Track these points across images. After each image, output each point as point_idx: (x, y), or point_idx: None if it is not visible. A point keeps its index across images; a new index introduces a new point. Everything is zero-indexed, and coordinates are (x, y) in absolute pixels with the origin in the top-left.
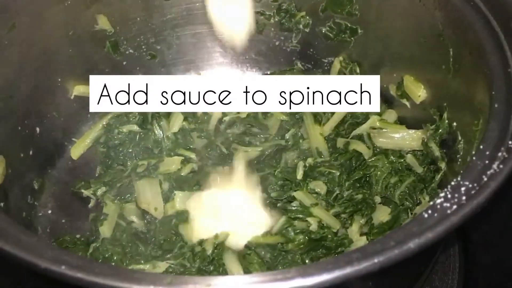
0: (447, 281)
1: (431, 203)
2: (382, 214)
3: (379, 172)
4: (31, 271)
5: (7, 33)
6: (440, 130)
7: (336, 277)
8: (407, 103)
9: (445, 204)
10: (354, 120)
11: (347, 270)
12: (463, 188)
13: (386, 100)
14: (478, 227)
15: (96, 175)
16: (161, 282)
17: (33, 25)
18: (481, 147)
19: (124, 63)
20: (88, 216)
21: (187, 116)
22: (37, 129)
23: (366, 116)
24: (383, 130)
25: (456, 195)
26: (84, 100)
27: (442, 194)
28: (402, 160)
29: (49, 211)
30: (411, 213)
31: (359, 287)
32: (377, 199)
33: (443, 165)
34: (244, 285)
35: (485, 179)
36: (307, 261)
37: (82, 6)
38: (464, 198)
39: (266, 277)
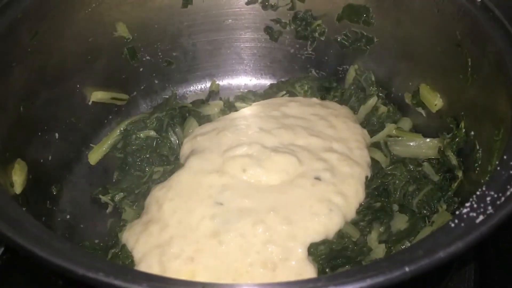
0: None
1: (457, 213)
2: (400, 222)
3: (397, 181)
4: (66, 277)
5: (30, 40)
6: (457, 139)
7: (368, 285)
8: (423, 112)
9: (471, 214)
10: (370, 128)
11: (380, 279)
12: (488, 198)
13: (401, 108)
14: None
15: (114, 180)
16: None
17: (55, 32)
18: (505, 157)
19: (141, 69)
20: (105, 221)
21: (202, 122)
22: (56, 134)
23: (382, 124)
24: (399, 138)
25: (482, 205)
26: (101, 106)
27: (467, 204)
28: (419, 169)
29: (68, 216)
30: (428, 221)
31: None
32: (395, 207)
33: (460, 174)
34: None
35: (511, 189)
36: (327, 270)
37: (102, 14)
38: (490, 207)
39: (296, 285)
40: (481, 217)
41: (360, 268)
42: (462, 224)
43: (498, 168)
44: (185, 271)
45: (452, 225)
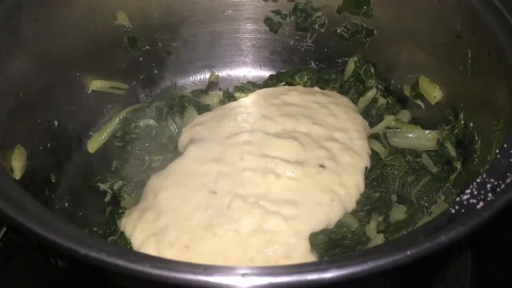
0: (459, 279)
1: (458, 199)
2: (398, 213)
3: (396, 171)
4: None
5: (31, 26)
6: (456, 131)
7: (370, 268)
8: (422, 104)
9: (471, 200)
10: (369, 120)
11: (381, 261)
12: (488, 185)
13: (400, 100)
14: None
15: (113, 169)
16: (198, 270)
17: (55, 19)
18: (505, 145)
19: (141, 59)
20: (104, 209)
21: (201, 112)
22: (55, 122)
23: (381, 116)
24: (398, 130)
25: (482, 191)
26: (101, 95)
27: (468, 191)
28: (418, 160)
29: (66, 204)
30: (427, 212)
31: (375, 285)
32: (394, 197)
33: (458, 165)
34: (280, 274)
35: (511, 176)
36: (325, 259)
37: (103, 2)
38: (490, 194)
39: (298, 268)
40: (481, 203)
41: (362, 251)
42: (463, 210)
43: (498, 156)
44: (181, 259)
45: (453, 211)
